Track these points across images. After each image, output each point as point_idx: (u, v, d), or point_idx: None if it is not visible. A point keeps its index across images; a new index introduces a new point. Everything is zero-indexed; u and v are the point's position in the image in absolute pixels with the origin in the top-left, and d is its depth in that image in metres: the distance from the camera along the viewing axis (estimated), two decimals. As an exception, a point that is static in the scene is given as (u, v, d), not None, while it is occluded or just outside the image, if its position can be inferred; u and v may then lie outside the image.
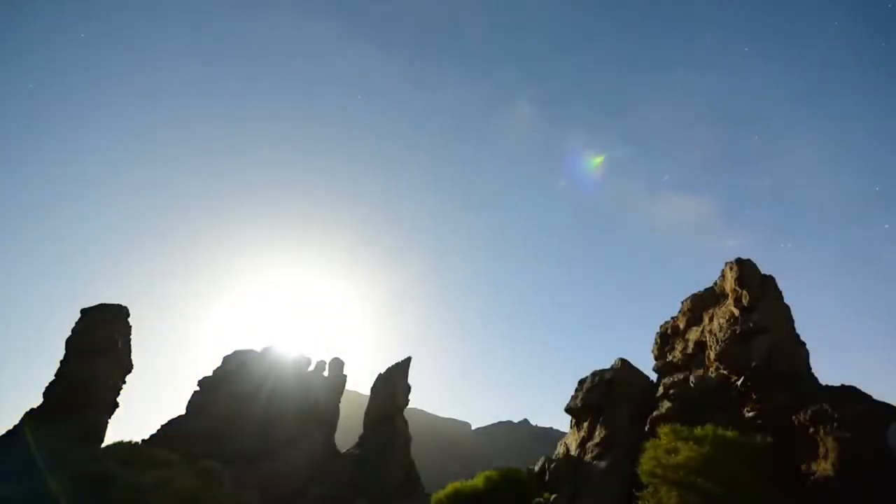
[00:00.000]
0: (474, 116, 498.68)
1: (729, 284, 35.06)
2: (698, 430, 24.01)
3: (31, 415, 47.32)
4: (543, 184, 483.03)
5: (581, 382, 40.85)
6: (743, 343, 32.46)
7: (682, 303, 39.96)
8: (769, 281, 33.85)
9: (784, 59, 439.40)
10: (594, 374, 40.46)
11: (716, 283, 37.38)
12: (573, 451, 37.27)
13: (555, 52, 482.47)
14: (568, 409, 40.48)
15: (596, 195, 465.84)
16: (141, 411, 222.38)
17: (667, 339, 40.08)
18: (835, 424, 26.42)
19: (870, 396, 27.91)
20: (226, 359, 62.27)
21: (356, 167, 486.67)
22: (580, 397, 39.58)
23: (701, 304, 38.12)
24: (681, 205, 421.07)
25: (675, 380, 35.69)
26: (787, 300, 33.35)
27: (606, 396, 38.12)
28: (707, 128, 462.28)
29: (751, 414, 30.20)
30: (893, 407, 27.30)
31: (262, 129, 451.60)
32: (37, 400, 49.46)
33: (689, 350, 36.96)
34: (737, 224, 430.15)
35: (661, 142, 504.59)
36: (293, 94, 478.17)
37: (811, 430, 27.39)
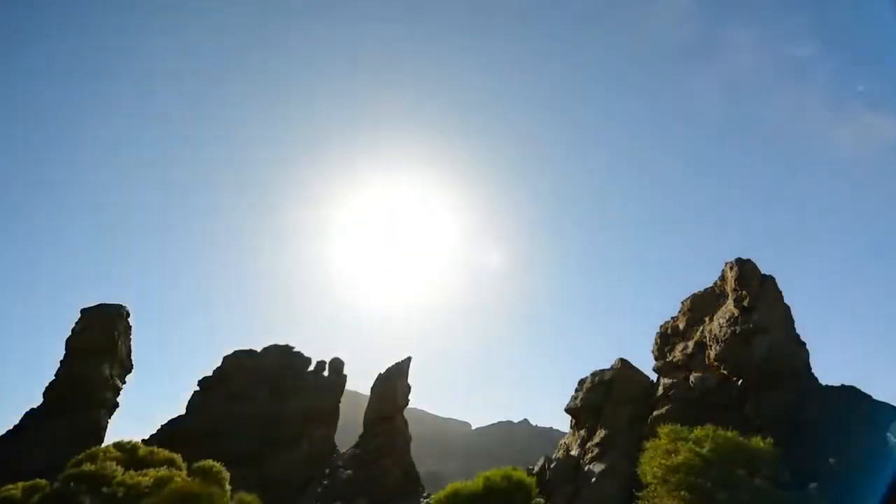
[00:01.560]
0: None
1: (729, 284, 35.09)
2: (698, 431, 23.95)
3: (31, 414, 47.39)
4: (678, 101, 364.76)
5: (581, 382, 40.91)
6: (743, 343, 32.50)
7: (682, 303, 40.03)
8: (769, 281, 33.91)
9: None
10: (594, 374, 40.50)
11: (716, 283, 37.43)
12: (573, 452, 37.30)
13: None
14: (568, 409, 40.52)
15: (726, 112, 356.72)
16: (141, 411, 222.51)
17: (667, 339, 40.13)
18: (835, 424, 26.46)
19: (870, 396, 27.97)
20: (226, 359, 62.30)
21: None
22: (580, 397, 39.63)
23: (701, 304, 38.18)
24: (872, 126, 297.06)
25: (675, 380, 35.75)
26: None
27: (606, 396, 38.16)
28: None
29: (751, 414, 30.24)
30: (893, 407, 27.35)
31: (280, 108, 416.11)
32: (37, 400, 49.56)
33: (689, 350, 37.00)
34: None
35: (858, 39, 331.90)
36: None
37: (811, 430, 27.42)
